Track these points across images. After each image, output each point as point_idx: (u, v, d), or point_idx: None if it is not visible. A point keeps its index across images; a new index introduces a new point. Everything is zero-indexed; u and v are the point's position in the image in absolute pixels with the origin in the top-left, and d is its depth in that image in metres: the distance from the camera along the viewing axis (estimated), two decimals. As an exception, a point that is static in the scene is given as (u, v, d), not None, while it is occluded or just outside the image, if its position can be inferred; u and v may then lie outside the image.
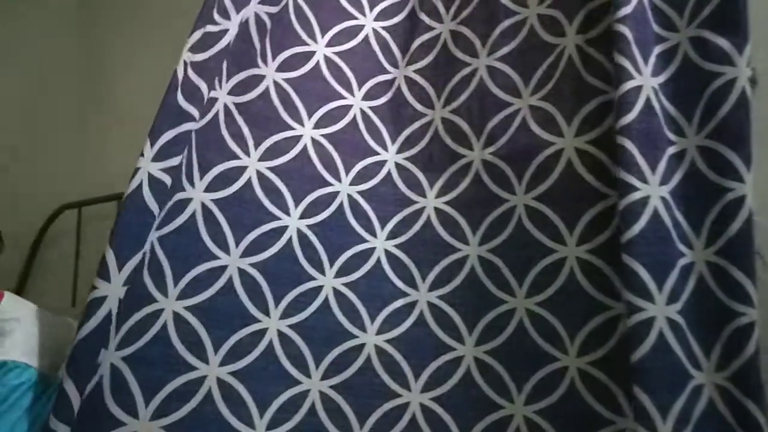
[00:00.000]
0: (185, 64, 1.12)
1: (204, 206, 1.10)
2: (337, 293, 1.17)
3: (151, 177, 1.03)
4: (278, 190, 1.22)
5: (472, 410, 1.15)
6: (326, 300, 1.16)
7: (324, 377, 1.10)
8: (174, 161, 1.04)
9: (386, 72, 1.35)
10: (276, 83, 1.24)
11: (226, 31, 1.14)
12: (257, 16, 1.22)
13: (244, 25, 1.19)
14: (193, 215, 1.08)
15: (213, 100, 1.16)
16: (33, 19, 2.63)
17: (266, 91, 1.22)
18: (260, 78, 1.22)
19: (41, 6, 2.61)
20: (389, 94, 1.34)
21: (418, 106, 1.34)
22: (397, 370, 1.14)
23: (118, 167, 2.60)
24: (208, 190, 1.10)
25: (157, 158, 1.04)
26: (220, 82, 1.18)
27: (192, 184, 1.08)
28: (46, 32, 2.64)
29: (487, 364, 1.18)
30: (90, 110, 2.69)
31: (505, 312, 1.20)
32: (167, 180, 1.03)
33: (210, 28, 1.14)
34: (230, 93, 1.19)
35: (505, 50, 1.30)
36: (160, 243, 1.05)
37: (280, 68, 1.26)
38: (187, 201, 1.07)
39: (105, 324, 0.95)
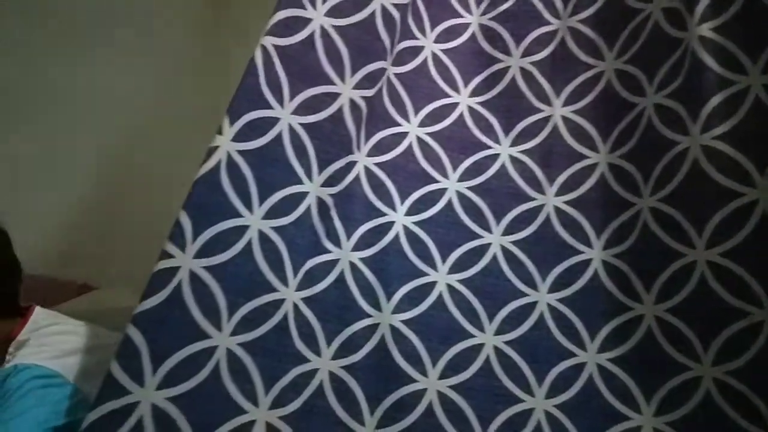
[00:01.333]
0: (267, 48, 1.10)
1: (319, 200, 1.12)
2: (451, 289, 1.16)
3: (229, 157, 1.04)
4: (384, 186, 1.22)
5: (596, 421, 1.11)
6: (440, 296, 1.15)
7: (442, 376, 1.08)
8: (251, 145, 1.05)
9: (498, 61, 1.32)
10: (388, 78, 1.26)
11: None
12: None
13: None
14: (308, 209, 1.10)
15: (329, 95, 1.15)
16: (164, 18, 2.83)
17: (380, 87, 1.24)
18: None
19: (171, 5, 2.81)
20: (501, 86, 1.31)
21: (535, 101, 1.31)
22: (517, 374, 1.11)
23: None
24: (324, 184, 1.13)
25: (236, 139, 1.05)
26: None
27: (310, 177, 1.09)
28: (174, 33, 2.82)
29: (612, 373, 1.13)
30: (215, 108, 2.86)
31: (631, 319, 1.16)
32: (242, 164, 1.03)
33: (297, 12, 1.11)
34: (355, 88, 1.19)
35: (631, 52, 1.26)
36: (278, 232, 1.06)
37: (394, 63, 1.27)
38: (303, 195, 1.09)
39: (177, 292, 0.96)
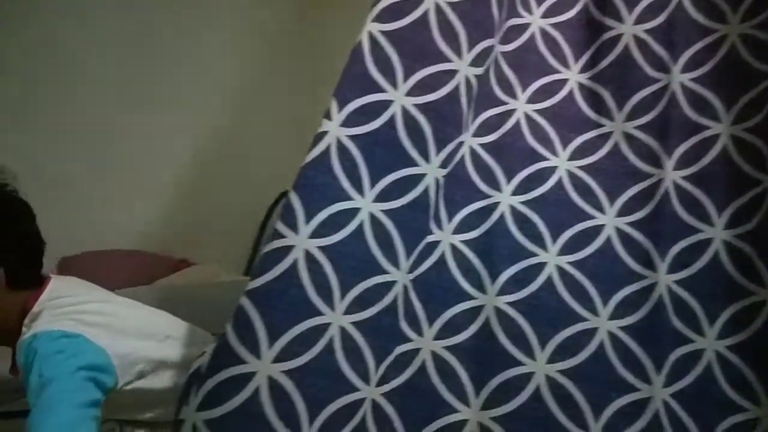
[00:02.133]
0: (374, 34, 1.07)
1: (436, 181, 1.08)
2: (561, 271, 1.10)
3: (339, 142, 1.03)
4: (488, 167, 1.17)
5: (712, 411, 1.04)
6: (549, 278, 1.10)
7: (550, 360, 1.04)
8: (361, 129, 1.03)
9: (609, 29, 1.24)
10: (495, 56, 1.21)
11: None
12: None
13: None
14: (426, 191, 1.07)
15: (445, 73, 1.12)
16: (256, 5, 2.90)
17: (488, 65, 1.20)
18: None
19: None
20: (610, 58, 1.23)
21: (650, 70, 1.22)
22: (633, 361, 1.05)
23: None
24: (441, 166, 1.09)
25: (345, 124, 1.04)
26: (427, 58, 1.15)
27: (427, 159, 1.07)
28: (268, 20, 2.89)
29: (729, 361, 1.06)
30: (310, 100, 2.90)
31: (753, 304, 1.08)
32: (353, 149, 1.02)
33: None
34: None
35: (762, 16, 1.18)
36: (390, 215, 1.05)
37: (500, 41, 1.22)
38: (420, 177, 1.07)
39: (291, 271, 0.96)
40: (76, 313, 1.01)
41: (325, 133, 1.05)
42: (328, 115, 1.06)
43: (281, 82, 2.94)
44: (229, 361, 0.93)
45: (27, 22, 2.43)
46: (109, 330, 1.07)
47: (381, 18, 1.08)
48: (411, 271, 1.06)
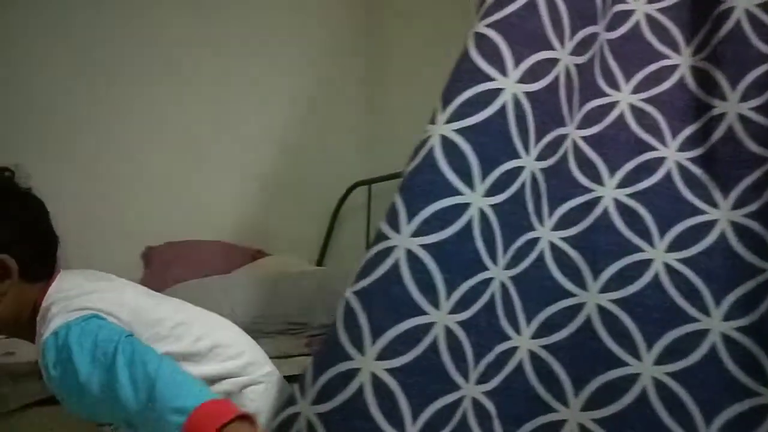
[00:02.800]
0: (479, 30, 1.02)
1: (533, 175, 1.04)
2: (669, 269, 1.04)
3: (445, 139, 1.01)
4: (590, 161, 1.13)
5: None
6: (657, 275, 1.03)
7: (658, 362, 0.99)
8: (470, 121, 1.00)
9: (719, 3, 1.15)
10: (600, 44, 1.16)
11: None
12: None
13: None
14: (523, 185, 1.04)
15: (550, 62, 1.08)
16: (321, 4, 2.93)
17: (591, 54, 1.15)
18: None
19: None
20: (721, 34, 1.14)
21: (764, 47, 1.12)
22: (752, 365, 0.96)
23: (404, 147, 2.79)
24: (538, 158, 1.07)
25: (452, 119, 1.01)
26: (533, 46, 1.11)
27: (527, 150, 1.04)
28: (333, 18, 2.92)
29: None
30: (377, 93, 2.91)
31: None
32: (460, 142, 0.99)
33: None
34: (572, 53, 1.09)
35: None
36: (495, 210, 1.03)
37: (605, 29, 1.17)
38: (520, 169, 1.04)
39: (393, 270, 0.94)
40: (87, 302, 1.00)
41: (428, 137, 1.01)
42: (433, 120, 1.04)
43: (352, 78, 2.96)
44: (337, 357, 0.93)
45: (127, 21, 2.53)
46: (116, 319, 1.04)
47: (488, 13, 1.05)
48: (508, 267, 1.03)
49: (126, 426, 0.97)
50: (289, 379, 1.39)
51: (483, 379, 0.99)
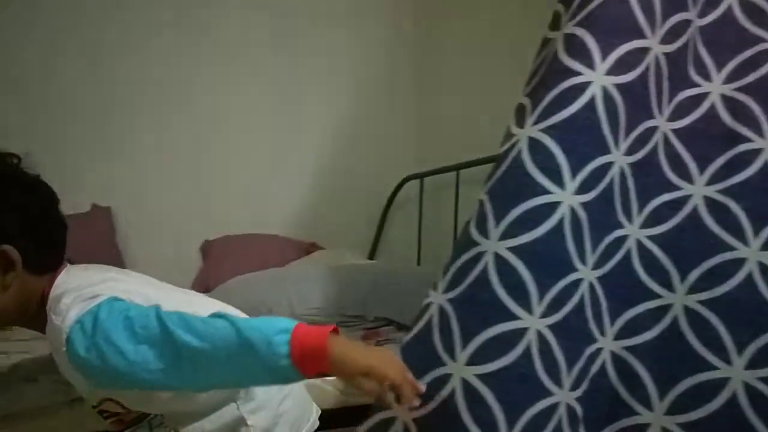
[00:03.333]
0: (569, 31, 1.02)
1: (621, 170, 1.00)
2: (764, 268, 0.97)
3: (531, 140, 0.98)
4: (679, 156, 1.06)
5: None
6: (750, 275, 0.97)
7: (750, 366, 0.92)
8: (555, 119, 0.97)
9: None
10: (691, 31, 1.08)
11: None
12: None
13: None
14: (612, 181, 0.99)
15: (641, 51, 1.01)
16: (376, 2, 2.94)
17: (684, 45, 1.10)
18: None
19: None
20: None
21: None
22: None
23: (453, 142, 2.81)
24: (627, 152, 1.00)
25: (539, 119, 0.99)
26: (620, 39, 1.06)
27: (617, 145, 1.01)
28: (386, 15, 2.92)
29: None
30: (427, 89, 2.91)
31: None
32: (547, 140, 0.97)
33: None
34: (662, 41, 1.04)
35: None
36: (585, 208, 0.97)
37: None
38: (609, 165, 1.00)
39: (482, 275, 0.94)
40: (101, 290, 0.96)
41: (516, 140, 0.99)
42: (520, 123, 1.01)
43: (404, 74, 2.97)
44: (432, 362, 0.93)
45: (187, 17, 2.61)
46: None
47: (576, 12, 1.02)
48: (596, 267, 1.00)
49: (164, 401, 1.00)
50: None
51: (576, 384, 0.96)
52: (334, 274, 1.86)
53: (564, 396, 0.94)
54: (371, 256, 2.80)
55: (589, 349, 0.99)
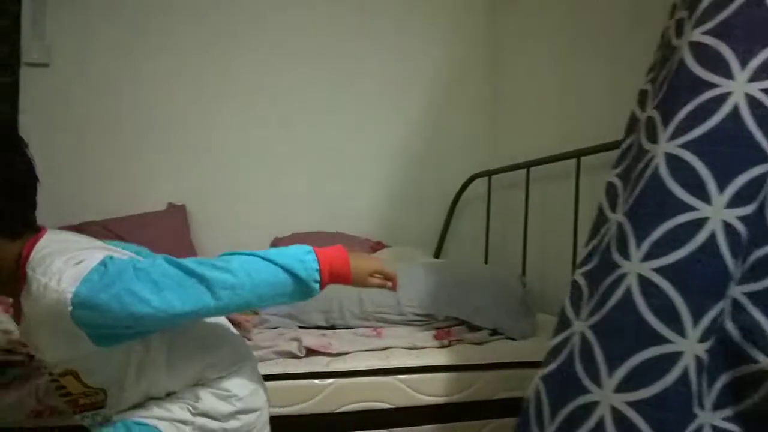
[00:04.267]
0: (695, 39, 0.98)
1: None
2: None
3: (668, 155, 0.94)
4: None
5: None
6: None
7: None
8: (695, 133, 0.93)
9: None
10: None
11: None
12: None
13: None
14: None
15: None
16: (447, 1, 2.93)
17: None
18: None
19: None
20: None
21: None
22: None
23: (521, 139, 2.76)
24: None
25: (675, 135, 0.95)
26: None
27: None
28: (458, 11, 2.90)
29: None
30: (497, 86, 2.87)
31: None
32: (687, 155, 0.92)
33: None
34: None
35: None
36: (743, 222, 0.94)
37: None
38: (765, 175, 0.95)
39: (626, 297, 0.90)
40: (91, 252, 0.95)
41: (651, 157, 0.95)
42: (653, 138, 0.98)
43: (472, 73, 2.94)
44: (575, 390, 0.91)
45: (256, 22, 2.67)
46: None
47: (703, 19, 0.97)
48: (748, 281, 0.94)
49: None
50: (419, 370, 1.43)
51: (718, 405, 0.92)
52: (403, 273, 1.85)
53: (708, 419, 0.89)
54: (437, 255, 2.79)
55: (743, 370, 0.93)
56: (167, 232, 2.49)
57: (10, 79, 2.74)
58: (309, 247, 1.02)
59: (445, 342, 1.53)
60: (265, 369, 1.34)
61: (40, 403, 1.16)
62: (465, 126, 2.92)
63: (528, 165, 2.26)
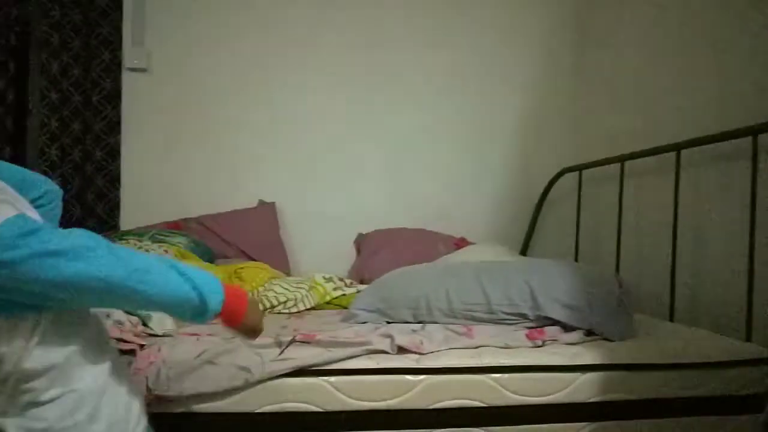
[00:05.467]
0: None
1: None
2: None
3: None
4: None
5: None
6: None
7: None
8: None
9: None
10: None
11: None
12: None
13: None
14: None
15: None
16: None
17: None
18: None
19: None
20: None
21: None
22: None
23: (613, 132, 2.65)
24: None
25: None
26: None
27: None
28: (546, 10, 2.82)
29: None
30: (583, 79, 2.77)
31: None
32: None
33: None
34: None
35: None
36: None
37: None
38: None
39: None
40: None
41: None
42: None
43: (560, 65, 2.85)
44: None
45: (350, 24, 2.72)
46: None
47: None
48: None
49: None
50: (512, 369, 1.40)
51: None
52: (491, 270, 1.82)
53: None
54: (523, 252, 2.73)
55: None
56: (258, 228, 2.58)
57: (113, 84, 2.92)
58: (220, 286, 1.00)
59: (539, 342, 1.49)
60: (357, 363, 1.36)
61: (150, 393, 1.22)
62: (552, 120, 2.84)
63: (623, 159, 2.17)
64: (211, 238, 2.48)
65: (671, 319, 1.88)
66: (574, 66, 2.84)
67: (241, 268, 2.07)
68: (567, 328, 1.59)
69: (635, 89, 2.33)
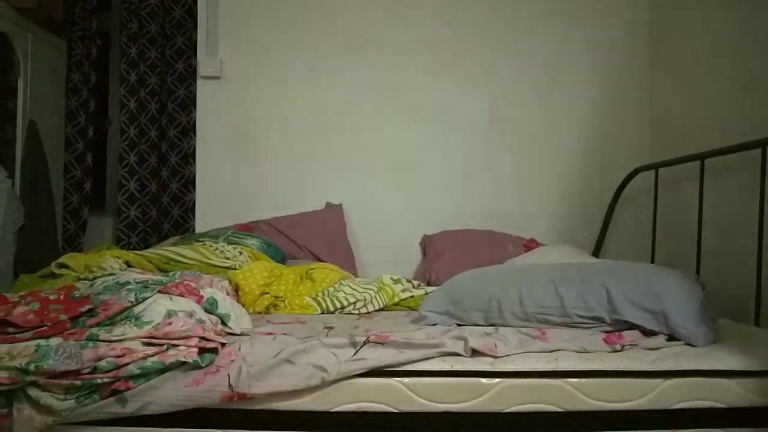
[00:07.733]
0: None
1: None
2: None
3: None
4: None
5: None
6: None
7: None
8: None
9: None
10: None
11: None
12: None
13: None
14: None
15: None
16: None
17: None
18: None
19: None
20: None
21: None
22: None
23: (689, 130, 2.55)
24: None
25: None
26: None
27: None
28: (621, 6, 2.75)
29: None
30: (659, 76, 2.67)
31: None
32: None
33: None
34: None
35: None
36: None
37: None
38: None
39: None
40: None
41: None
42: None
43: (635, 59, 2.77)
44: None
45: (415, 28, 2.73)
46: None
47: None
48: None
49: None
50: (591, 374, 1.36)
51: None
52: (565, 272, 1.78)
53: None
54: (596, 254, 2.65)
55: None
56: (326, 229, 2.62)
57: (187, 92, 3.04)
58: None
59: (617, 346, 1.45)
60: (431, 365, 1.36)
61: (232, 390, 1.26)
62: (625, 118, 2.76)
63: (703, 156, 2.08)
64: (281, 239, 2.54)
65: (757, 324, 1.78)
66: (648, 55, 2.74)
67: (312, 269, 2.11)
68: (647, 332, 1.53)
69: (712, 84, 2.23)
